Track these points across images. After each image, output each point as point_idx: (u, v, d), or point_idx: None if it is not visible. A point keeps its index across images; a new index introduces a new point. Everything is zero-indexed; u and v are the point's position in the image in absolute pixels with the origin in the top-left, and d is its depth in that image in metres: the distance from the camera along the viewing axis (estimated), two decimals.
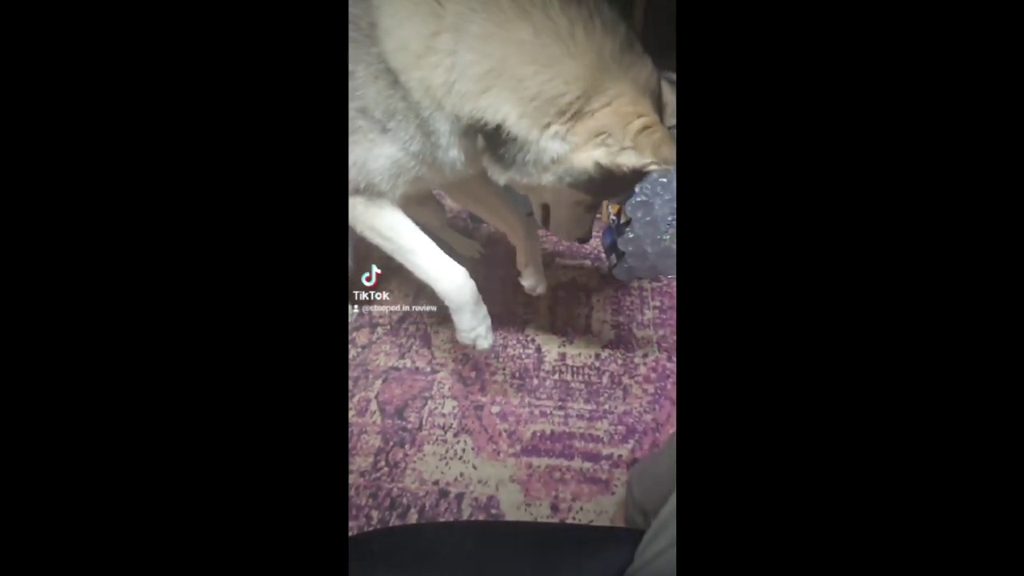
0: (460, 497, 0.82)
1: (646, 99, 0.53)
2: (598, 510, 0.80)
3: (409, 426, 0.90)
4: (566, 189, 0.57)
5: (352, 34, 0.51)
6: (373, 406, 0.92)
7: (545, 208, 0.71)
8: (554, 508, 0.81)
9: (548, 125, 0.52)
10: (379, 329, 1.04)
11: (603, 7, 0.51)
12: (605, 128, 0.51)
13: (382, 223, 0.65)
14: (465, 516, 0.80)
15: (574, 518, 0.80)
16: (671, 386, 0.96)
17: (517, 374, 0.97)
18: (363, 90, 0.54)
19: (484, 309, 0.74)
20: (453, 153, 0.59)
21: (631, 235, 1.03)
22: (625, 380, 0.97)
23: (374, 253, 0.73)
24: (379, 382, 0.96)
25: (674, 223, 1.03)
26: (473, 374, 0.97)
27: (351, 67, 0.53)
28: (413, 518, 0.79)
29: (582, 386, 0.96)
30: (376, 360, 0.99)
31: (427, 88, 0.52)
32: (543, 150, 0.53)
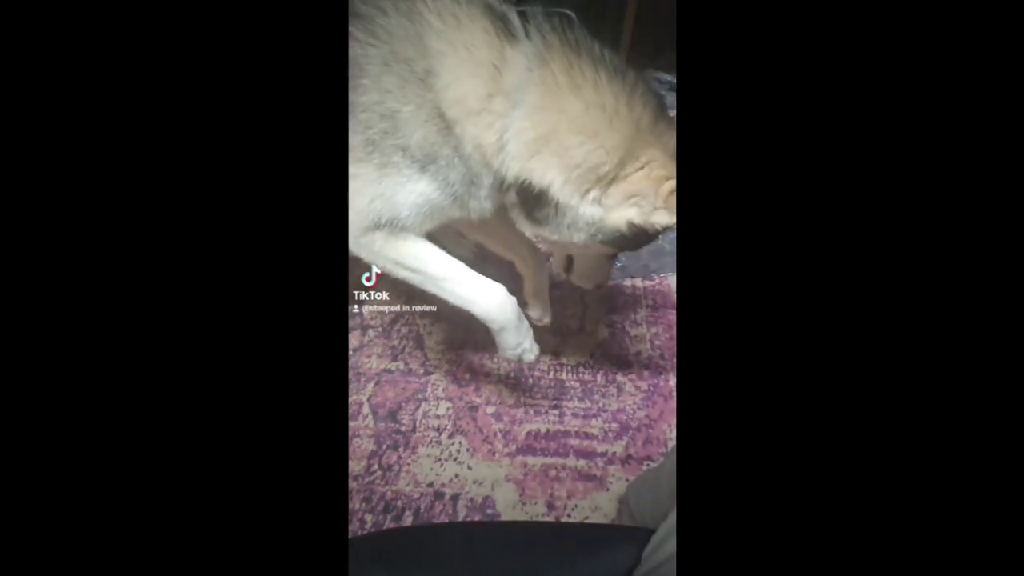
0: (455, 498, 0.81)
1: (674, 163, 0.56)
2: (593, 507, 0.80)
3: (403, 428, 0.89)
4: (595, 245, 0.60)
5: (405, 75, 0.52)
6: (365, 409, 0.92)
7: (569, 258, 0.73)
8: (550, 506, 0.80)
9: (588, 191, 0.55)
10: (371, 331, 1.04)
11: (641, 82, 0.55)
12: (638, 191, 0.55)
13: (407, 254, 0.63)
14: (461, 517, 0.79)
15: (569, 515, 0.79)
16: (664, 383, 0.96)
17: (511, 374, 0.97)
18: (408, 130, 0.54)
19: (526, 322, 0.71)
20: (488, 204, 0.61)
21: None
22: (619, 378, 0.97)
23: None
24: (371, 385, 0.95)
25: None
26: (467, 375, 0.96)
27: (397, 106, 0.53)
28: (408, 521, 0.78)
29: (576, 384, 0.96)
30: (368, 363, 0.98)
31: (478, 144, 0.54)
32: (581, 214, 0.56)
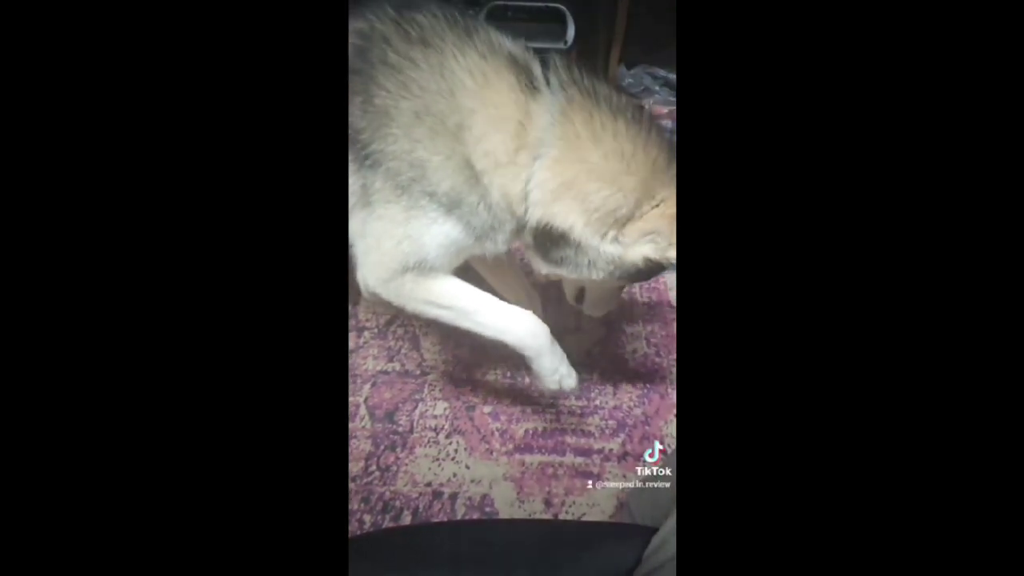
0: (454, 497, 0.81)
1: None
2: (590, 503, 0.80)
3: (400, 429, 0.89)
4: (612, 280, 0.61)
5: (436, 128, 0.54)
6: (362, 411, 0.92)
7: (581, 290, 0.74)
8: (547, 503, 0.81)
9: (607, 232, 0.57)
10: (366, 333, 1.04)
11: (655, 125, 0.56)
12: (654, 228, 0.56)
13: (439, 292, 0.63)
14: (459, 516, 0.79)
15: (567, 512, 0.80)
16: (660, 380, 0.97)
17: (508, 373, 0.98)
18: (436, 178, 0.56)
19: (559, 347, 0.70)
20: (503, 245, 0.63)
21: None
22: (616, 375, 0.97)
23: None
24: (368, 386, 0.95)
25: None
26: (464, 375, 0.97)
27: (427, 155, 0.55)
28: (407, 521, 0.79)
29: None
30: (364, 364, 0.99)
31: (505, 194, 0.57)
32: (601, 253, 0.58)
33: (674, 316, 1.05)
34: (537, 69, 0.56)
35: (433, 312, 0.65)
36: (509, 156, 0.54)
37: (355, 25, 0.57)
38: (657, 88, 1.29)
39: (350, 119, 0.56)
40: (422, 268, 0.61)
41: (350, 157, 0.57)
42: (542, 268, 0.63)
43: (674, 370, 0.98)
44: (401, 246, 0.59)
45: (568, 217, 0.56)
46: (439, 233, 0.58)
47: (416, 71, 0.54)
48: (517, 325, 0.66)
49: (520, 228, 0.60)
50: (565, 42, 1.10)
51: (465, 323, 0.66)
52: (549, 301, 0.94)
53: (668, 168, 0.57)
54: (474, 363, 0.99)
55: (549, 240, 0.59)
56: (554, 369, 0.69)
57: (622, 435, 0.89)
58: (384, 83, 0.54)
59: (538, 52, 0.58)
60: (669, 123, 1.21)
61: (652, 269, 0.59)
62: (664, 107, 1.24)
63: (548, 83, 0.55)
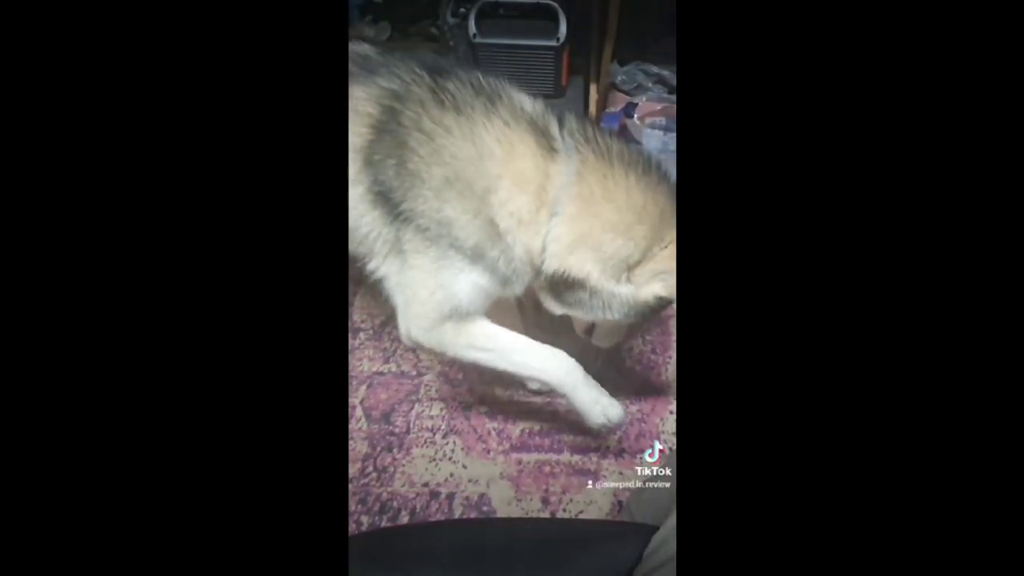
0: (451, 497, 0.81)
1: None
2: (588, 501, 0.81)
3: (396, 430, 0.89)
4: (624, 319, 0.65)
5: (465, 192, 0.58)
6: (359, 412, 0.92)
7: (591, 324, 0.76)
8: (544, 501, 0.81)
9: (619, 277, 0.61)
10: (361, 335, 1.03)
11: (664, 176, 0.60)
12: (664, 268, 0.59)
13: (478, 335, 0.67)
14: (457, 515, 0.79)
15: (565, 510, 0.80)
16: (656, 378, 0.97)
17: (505, 372, 0.97)
18: (463, 235, 0.60)
19: (592, 380, 0.71)
20: (520, 289, 0.67)
21: None
22: (612, 373, 0.98)
23: None
24: (364, 388, 0.95)
25: None
26: (460, 375, 0.97)
27: (454, 215, 0.59)
28: (404, 521, 0.79)
29: None
30: (360, 366, 0.98)
31: (527, 249, 0.61)
32: (615, 295, 0.61)
33: (671, 313, 1.06)
34: (555, 129, 0.60)
35: (474, 355, 0.68)
36: (531, 215, 0.58)
37: (388, 85, 0.61)
38: (650, 85, 1.29)
39: (384, 177, 0.60)
40: (458, 314, 0.65)
41: (383, 210, 0.62)
42: (556, 309, 0.67)
43: (670, 367, 0.98)
44: (435, 295, 0.63)
45: (584, 267, 0.60)
46: (467, 281, 0.62)
47: (448, 138, 0.57)
48: (550, 363, 0.69)
49: (537, 275, 0.64)
50: (557, 39, 1.10)
51: (503, 364, 0.69)
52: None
53: (675, 213, 0.59)
54: (471, 363, 0.98)
55: (564, 285, 0.62)
56: (594, 401, 0.71)
57: (619, 432, 0.89)
58: (418, 148, 0.58)
59: (554, 112, 0.63)
60: (663, 120, 1.21)
61: (663, 306, 0.63)
62: (658, 104, 1.24)
63: (564, 143, 0.59)
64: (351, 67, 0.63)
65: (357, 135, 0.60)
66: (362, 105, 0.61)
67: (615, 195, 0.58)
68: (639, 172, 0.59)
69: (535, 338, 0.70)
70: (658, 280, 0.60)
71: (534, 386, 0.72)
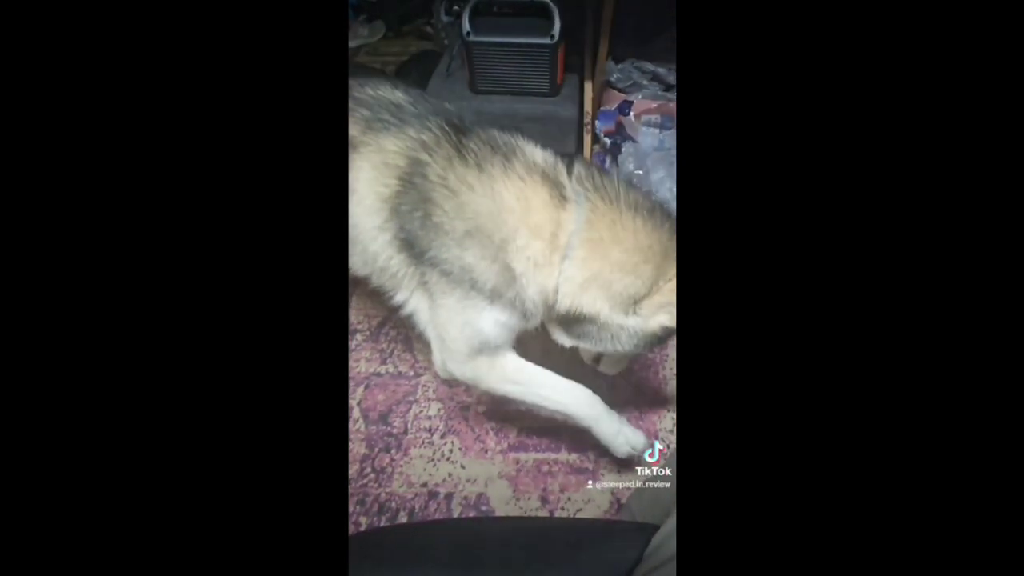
0: (449, 497, 0.81)
1: None
2: (586, 499, 0.81)
3: (394, 431, 0.89)
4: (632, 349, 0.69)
5: (485, 243, 0.63)
6: (356, 413, 0.91)
7: (599, 353, 0.79)
8: (543, 500, 0.81)
9: (627, 311, 0.64)
10: (358, 336, 1.03)
11: (668, 215, 0.64)
12: (669, 300, 0.63)
13: (511, 369, 0.72)
14: (455, 515, 0.79)
15: (563, 508, 0.80)
16: (653, 375, 0.97)
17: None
18: (482, 279, 0.64)
19: (615, 412, 0.76)
20: (535, 324, 0.71)
21: None
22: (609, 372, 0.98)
23: None
24: (361, 389, 0.95)
25: None
26: None
27: (474, 262, 0.63)
28: (403, 521, 0.79)
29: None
30: (357, 367, 0.98)
31: (541, 290, 0.65)
32: (622, 328, 0.65)
33: None
34: (565, 178, 0.64)
35: (505, 388, 0.73)
36: (545, 259, 0.63)
37: (419, 137, 0.65)
38: (645, 83, 1.29)
39: (410, 227, 0.64)
40: (488, 348, 0.69)
41: (409, 254, 0.66)
42: (566, 342, 0.70)
43: (666, 364, 0.98)
44: (464, 332, 0.68)
45: (595, 304, 0.64)
46: (490, 318, 0.67)
47: (471, 195, 0.62)
48: (575, 397, 0.73)
49: (550, 311, 0.68)
50: (552, 36, 1.09)
51: (532, 398, 0.73)
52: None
53: (676, 248, 0.63)
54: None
55: (575, 320, 0.66)
56: (616, 431, 0.74)
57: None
58: (442, 203, 0.62)
59: (563, 161, 0.67)
60: (658, 117, 1.21)
61: (668, 336, 0.67)
62: (653, 101, 1.24)
63: (574, 190, 0.63)
64: (384, 115, 0.67)
65: (385, 186, 0.65)
66: (392, 157, 0.65)
67: (623, 238, 0.62)
68: (644, 215, 0.63)
69: (548, 366, 0.74)
70: (664, 312, 0.64)
71: (559, 417, 0.76)
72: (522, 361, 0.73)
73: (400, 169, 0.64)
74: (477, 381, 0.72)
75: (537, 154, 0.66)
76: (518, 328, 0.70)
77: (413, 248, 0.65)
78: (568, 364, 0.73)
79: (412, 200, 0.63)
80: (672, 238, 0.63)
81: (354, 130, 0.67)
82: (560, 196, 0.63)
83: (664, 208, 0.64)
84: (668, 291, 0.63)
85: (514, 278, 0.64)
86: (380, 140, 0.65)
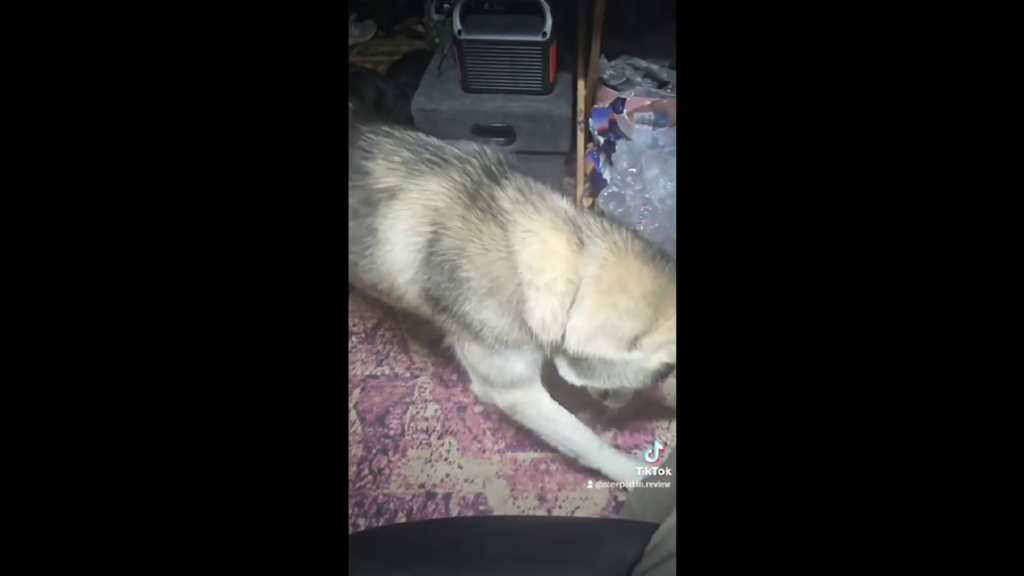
0: (447, 497, 0.82)
1: None
2: (583, 498, 0.81)
3: (391, 433, 0.89)
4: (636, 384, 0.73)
5: (503, 301, 0.66)
6: (352, 415, 0.91)
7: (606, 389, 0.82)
8: (541, 499, 0.81)
9: (630, 349, 0.67)
10: (354, 338, 1.03)
11: (669, 260, 0.66)
12: (669, 339, 0.65)
13: (545, 408, 0.77)
14: (454, 515, 0.80)
15: (560, 507, 0.81)
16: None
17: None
18: (499, 330, 0.68)
19: (619, 452, 0.81)
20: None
21: None
22: None
23: None
24: (357, 391, 0.95)
25: (647, 214, 1.04)
26: (455, 376, 0.96)
27: (493, 318, 0.67)
28: (401, 522, 0.79)
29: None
30: (353, 369, 0.98)
31: (550, 341, 0.68)
32: (627, 365, 0.68)
33: None
34: (582, 221, 0.67)
35: (538, 422, 0.78)
36: (555, 316, 0.66)
37: (461, 181, 0.67)
38: (639, 80, 1.28)
39: (439, 279, 0.67)
40: (522, 383, 0.75)
41: (434, 305, 0.70)
42: (575, 381, 0.72)
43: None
44: (493, 371, 0.74)
45: (601, 348, 0.67)
46: (515, 359, 0.72)
47: (497, 254, 0.65)
48: (585, 441, 0.78)
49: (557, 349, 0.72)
50: (544, 34, 1.08)
51: (557, 434, 0.78)
52: None
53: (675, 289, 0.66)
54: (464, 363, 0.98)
55: (582, 358, 0.68)
56: (628, 468, 0.79)
57: (613, 429, 0.89)
58: (475, 258, 0.65)
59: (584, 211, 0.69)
60: (652, 115, 1.21)
61: (669, 371, 0.69)
62: (646, 99, 1.24)
63: (589, 239, 0.66)
64: (425, 154, 0.69)
65: (419, 234, 0.67)
66: (431, 199, 0.66)
67: (631, 289, 0.64)
68: (650, 263, 0.65)
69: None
70: (663, 349, 0.66)
71: (570, 455, 0.81)
72: (555, 404, 0.78)
73: (437, 212, 0.66)
74: (512, 411, 0.78)
75: (560, 201, 0.69)
76: (540, 365, 0.75)
77: (440, 297, 0.68)
78: (574, 392, 0.76)
79: (444, 250, 0.65)
80: (671, 282, 0.65)
81: (394, 177, 0.68)
82: (578, 240, 0.65)
83: (664, 253, 0.68)
84: (667, 330, 0.65)
85: (529, 333, 0.68)
86: (423, 182, 0.67)
